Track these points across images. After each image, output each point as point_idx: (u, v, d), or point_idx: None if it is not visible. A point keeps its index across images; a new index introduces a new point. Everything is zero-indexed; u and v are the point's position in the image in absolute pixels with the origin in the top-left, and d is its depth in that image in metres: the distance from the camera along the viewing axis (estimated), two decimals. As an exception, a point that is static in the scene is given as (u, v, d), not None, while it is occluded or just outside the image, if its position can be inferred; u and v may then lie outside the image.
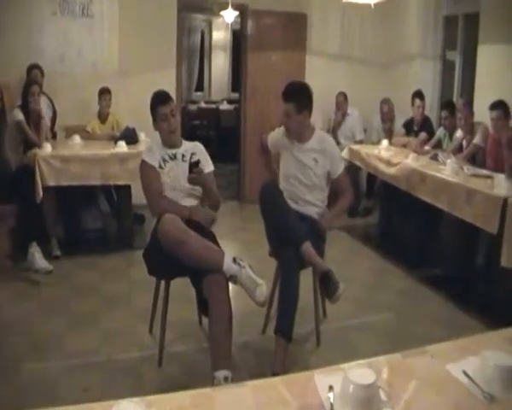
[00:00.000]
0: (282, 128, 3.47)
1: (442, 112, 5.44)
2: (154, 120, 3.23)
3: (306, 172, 3.37)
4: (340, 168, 3.43)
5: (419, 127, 5.76)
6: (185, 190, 3.18)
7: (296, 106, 3.27)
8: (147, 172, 3.19)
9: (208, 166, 3.33)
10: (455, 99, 6.20)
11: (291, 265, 3.08)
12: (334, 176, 3.42)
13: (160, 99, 3.22)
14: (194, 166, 3.09)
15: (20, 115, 4.74)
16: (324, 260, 3.22)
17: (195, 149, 3.31)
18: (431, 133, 5.65)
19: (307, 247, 3.06)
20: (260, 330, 3.49)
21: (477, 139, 4.72)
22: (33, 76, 5.20)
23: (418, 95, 5.74)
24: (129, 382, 2.94)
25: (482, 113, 4.80)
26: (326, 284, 3.11)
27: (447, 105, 5.47)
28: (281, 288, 3.09)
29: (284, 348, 2.98)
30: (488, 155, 4.61)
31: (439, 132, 5.50)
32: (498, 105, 4.34)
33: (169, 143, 3.26)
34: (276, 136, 3.56)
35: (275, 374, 2.76)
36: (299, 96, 3.31)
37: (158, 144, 3.30)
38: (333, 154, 3.42)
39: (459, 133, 5.08)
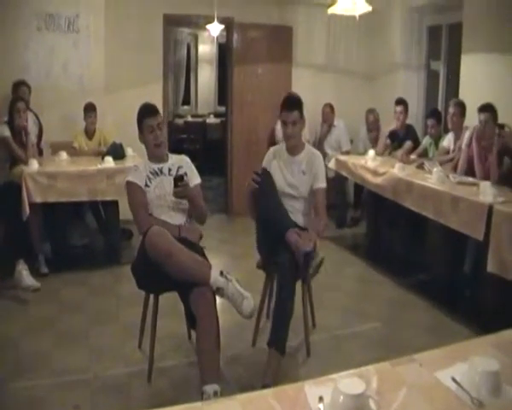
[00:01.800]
0: (273, 148, 3.60)
1: (428, 120, 5.48)
2: (141, 132, 3.23)
3: (296, 184, 3.41)
4: (319, 182, 3.41)
5: (403, 136, 5.79)
6: (171, 205, 3.18)
7: (299, 113, 3.37)
8: (133, 191, 3.19)
9: (195, 178, 3.34)
10: (439, 108, 6.27)
11: (287, 275, 3.08)
12: (313, 186, 3.42)
13: (147, 111, 3.24)
14: (179, 179, 3.08)
15: (6, 132, 4.72)
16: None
17: (182, 163, 3.32)
18: (416, 141, 5.68)
19: (291, 233, 3.11)
20: (250, 343, 3.48)
21: (464, 144, 4.70)
22: (21, 93, 5.18)
23: (398, 102, 5.77)
24: (118, 398, 2.92)
25: (467, 120, 4.85)
26: (307, 264, 3.24)
27: (433, 113, 5.51)
28: (277, 300, 3.09)
29: (277, 360, 2.98)
30: (466, 157, 4.57)
31: (425, 141, 5.53)
32: (488, 108, 4.25)
33: (155, 156, 3.26)
34: (268, 155, 3.58)
35: (265, 386, 2.75)
36: (300, 104, 3.41)
37: (144, 161, 3.31)
38: (318, 167, 3.43)
39: (446, 142, 5.10)
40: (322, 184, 3.42)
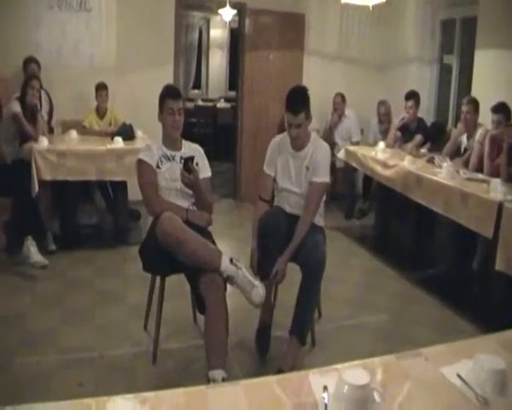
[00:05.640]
0: (277, 139, 3.39)
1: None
2: (161, 112, 3.20)
3: (299, 180, 3.27)
4: (317, 176, 3.19)
5: (414, 129, 5.76)
6: (179, 189, 3.17)
7: (305, 114, 3.14)
8: (144, 170, 3.17)
9: (205, 171, 3.31)
10: (451, 102, 6.29)
11: (314, 271, 3.06)
12: (310, 178, 3.22)
13: (170, 92, 3.22)
14: (189, 160, 3.07)
15: (17, 107, 4.70)
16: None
17: (195, 153, 3.27)
18: (426, 135, 5.65)
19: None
20: (255, 329, 3.48)
21: (477, 141, 4.67)
22: (30, 70, 5.17)
23: (408, 96, 5.72)
24: (123, 378, 2.94)
25: (479, 116, 4.81)
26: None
27: (436, 126, 5.57)
28: (302, 291, 3.07)
29: (297, 349, 3.04)
30: (478, 154, 4.55)
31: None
32: (501, 108, 4.26)
33: (170, 137, 3.24)
34: (273, 149, 3.39)
35: (280, 371, 2.80)
36: (307, 103, 3.16)
37: (157, 144, 3.28)
38: (320, 160, 3.21)
39: (457, 133, 5.07)
40: (320, 179, 3.20)
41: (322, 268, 3.06)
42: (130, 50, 6.15)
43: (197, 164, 3.17)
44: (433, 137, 5.51)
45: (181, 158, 3.20)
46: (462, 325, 3.73)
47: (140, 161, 3.21)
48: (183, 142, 3.34)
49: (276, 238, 3.10)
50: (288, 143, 3.29)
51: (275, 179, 3.37)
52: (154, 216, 3.00)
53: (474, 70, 5.61)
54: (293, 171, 3.29)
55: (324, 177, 3.23)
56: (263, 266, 3.10)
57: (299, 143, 3.24)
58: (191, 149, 3.33)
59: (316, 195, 3.22)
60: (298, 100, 3.15)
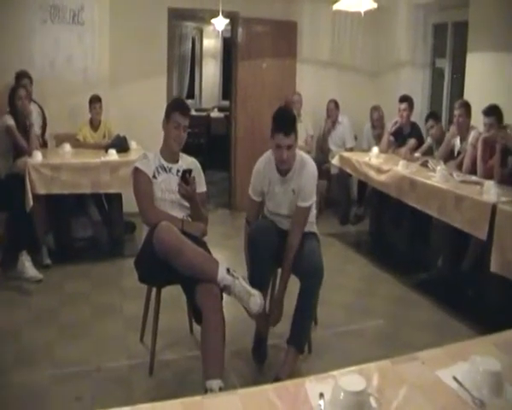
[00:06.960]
0: (261, 165, 3.27)
1: (426, 123, 5.48)
2: (167, 122, 3.19)
3: (286, 204, 3.22)
4: (303, 200, 3.13)
5: (407, 134, 5.77)
6: (175, 200, 3.17)
7: (295, 135, 3.04)
8: (140, 179, 3.17)
9: (201, 186, 3.31)
10: (444, 105, 6.30)
11: (312, 281, 3.04)
12: (297, 202, 3.15)
13: (180, 106, 3.23)
14: (186, 172, 3.08)
15: (10, 121, 4.70)
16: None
17: (191, 166, 3.26)
18: (420, 139, 5.67)
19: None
20: (252, 338, 3.47)
21: (469, 143, 4.69)
22: (23, 84, 5.17)
23: (401, 100, 5.73)
24: (120, 390, 2.93)
25: (471, 119, 4.83)
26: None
27: (431, 115, 5.53)
28: (301, 301, 3.05)
29: (295, 358, 3.03)
30: (471, 156, 4.57)
31: (430, 140, 5.52)
32: (493, 111, 4.27)
33: (169, 151, 3.24)
34: (256, 175, 3.30)
35: (278, 380, 2.79)
36: (295, 123, 3.09)
37: (155, 153, 3.28)
38: (306, 183, 3.14)
39: (450, 136, 5.08)
40: (307, 203, 3.14)
41: (320, 276, 3.04)
42: (123, 62, 6.16)
43: (194, 178, 3.17)
44: (427, 118, 5.53)
45: (177, 171, 3.20)
46: (458, 328, 3.74)
47: (136, 170, 3.20)
48: (181, 155, 3.34)
49: (267, 251, 3.08)
50: (273, 167, 3.19)
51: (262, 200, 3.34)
52: (150, 226, 2.99)
53: (466, 73, 5.63)
54: (281, 196, 3.22)
55: (310, 200, 3.18)
56: (255, 280, 3.01)
57: (286, 168, 3.13)
58: (188, 162, 3.33)
59: (302, 218, 3.17)
60: (288, 120, 3.07)
